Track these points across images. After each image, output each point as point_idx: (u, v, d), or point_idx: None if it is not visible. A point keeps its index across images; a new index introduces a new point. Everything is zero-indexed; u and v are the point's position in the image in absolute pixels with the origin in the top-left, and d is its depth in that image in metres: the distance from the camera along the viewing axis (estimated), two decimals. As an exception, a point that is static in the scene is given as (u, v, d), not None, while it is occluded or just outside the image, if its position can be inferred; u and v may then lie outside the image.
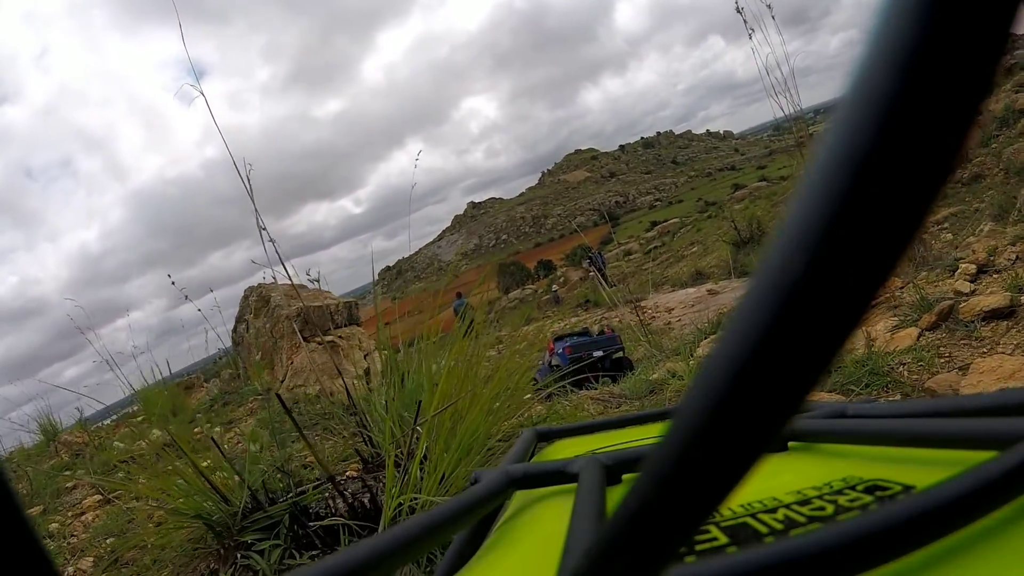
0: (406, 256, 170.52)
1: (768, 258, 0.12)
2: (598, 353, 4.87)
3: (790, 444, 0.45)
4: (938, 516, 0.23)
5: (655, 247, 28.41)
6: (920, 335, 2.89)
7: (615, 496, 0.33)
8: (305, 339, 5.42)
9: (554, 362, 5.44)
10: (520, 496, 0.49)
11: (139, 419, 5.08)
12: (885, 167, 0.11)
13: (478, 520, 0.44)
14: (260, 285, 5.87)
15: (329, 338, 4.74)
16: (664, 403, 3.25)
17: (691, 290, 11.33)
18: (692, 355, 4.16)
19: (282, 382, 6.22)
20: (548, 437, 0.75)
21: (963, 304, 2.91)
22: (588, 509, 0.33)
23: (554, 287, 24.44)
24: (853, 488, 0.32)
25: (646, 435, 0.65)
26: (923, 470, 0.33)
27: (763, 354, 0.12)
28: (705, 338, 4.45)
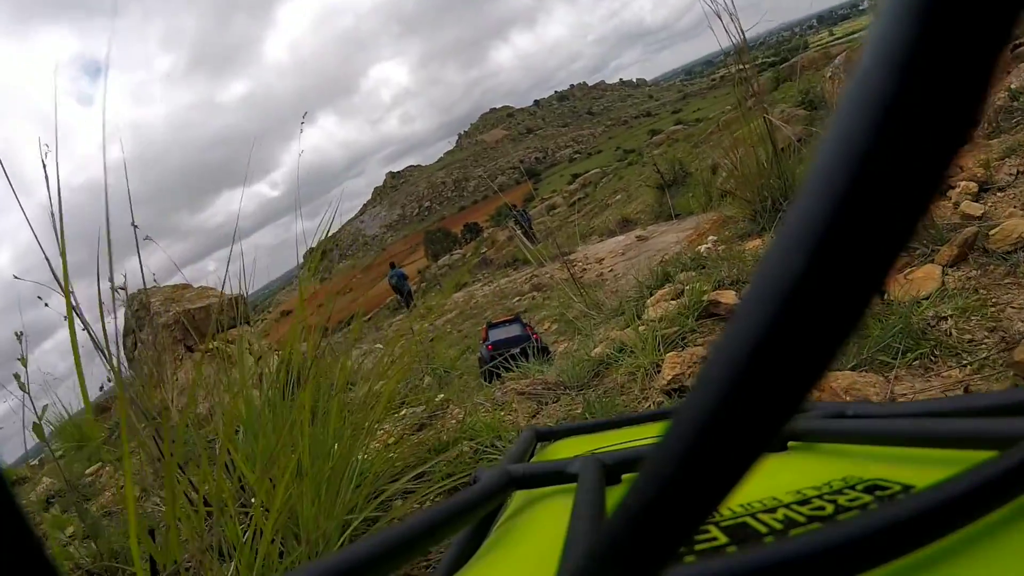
0: (330, 235, 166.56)
1: (768, 258, 0.12)
2: (517, 350, 4.94)
3: (790, 444, 0.45)
4: (938, 516, 0.23)
5: (579, 199, 28.16)
6: (944, 274, 2.20)
7: (615, 496, 0.32)
8: (189, 348, 4.59)
9: (483, 353, 5.74)
10: (520, 496, 0.49)
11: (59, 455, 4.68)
12: (884, 166, 0.11)
13: (478, 520, 0.45)
14: (140, 291, 4.79)
15: (212, 345, 3.88)
16: (616, 389, 2.53)
17: (620, 238, 10.98)
18: (639, 316, 3.33)
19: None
20: (547, 437, 0.76)
21: (994, 232, 2.25)
22: (588, 509, 0.34)
23: (483, 250, 23.81)
24: (853, 488, 0.32)
25: (646, 435, 0.65)
26: (923, 470, 0.33)
27: (763, 354, 0.12)
28: (651, 293, 3.68)
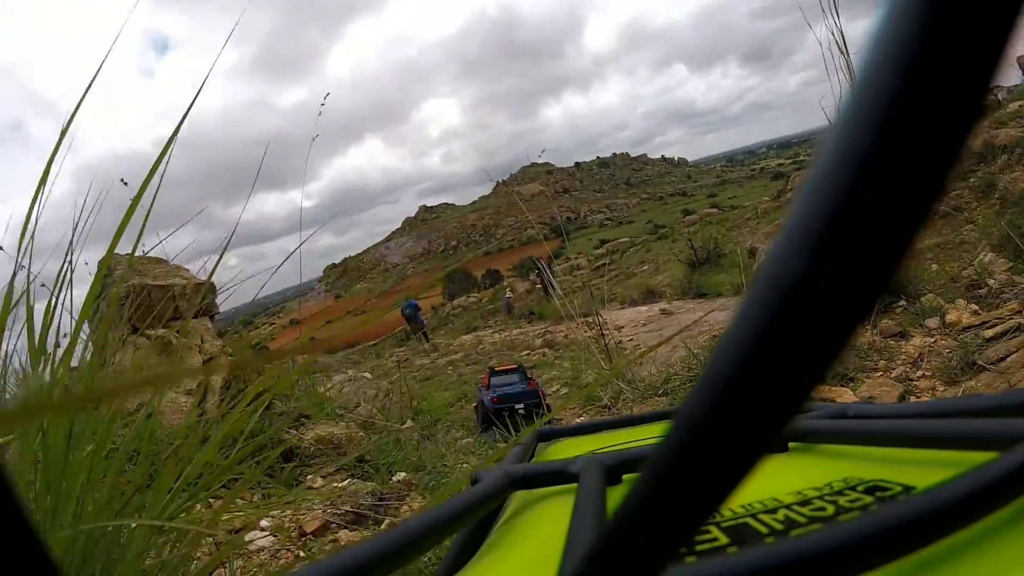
0: (353, 255, 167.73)
1: (769, 258, 0.12)
2: (520, 407, 5.26)
3: (791, 444, 0.45)
4: (938, 517, 0.23)
5: (603, 264, 28.11)
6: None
7: (616, 496, 0.34)
8: (135, 330, 3.87)
9: (485, 399, 5.65)
10: (520, 496, 0.49)
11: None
12: (887, 168, 0.11)
13: (478, 520, 0.44)
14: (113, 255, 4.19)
15: (159, 332, 3.49)
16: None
17: (642, 308, 10.83)
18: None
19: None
20: (548, 437, 0.76)
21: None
22: (588, 509, 0.34)
23: (507, 294, 23.57)
24: (853, 489, 0.33)
25: (646, 435, 0.65)
26: (923, 471, 0.33)
27: (764, 354, 0.12)
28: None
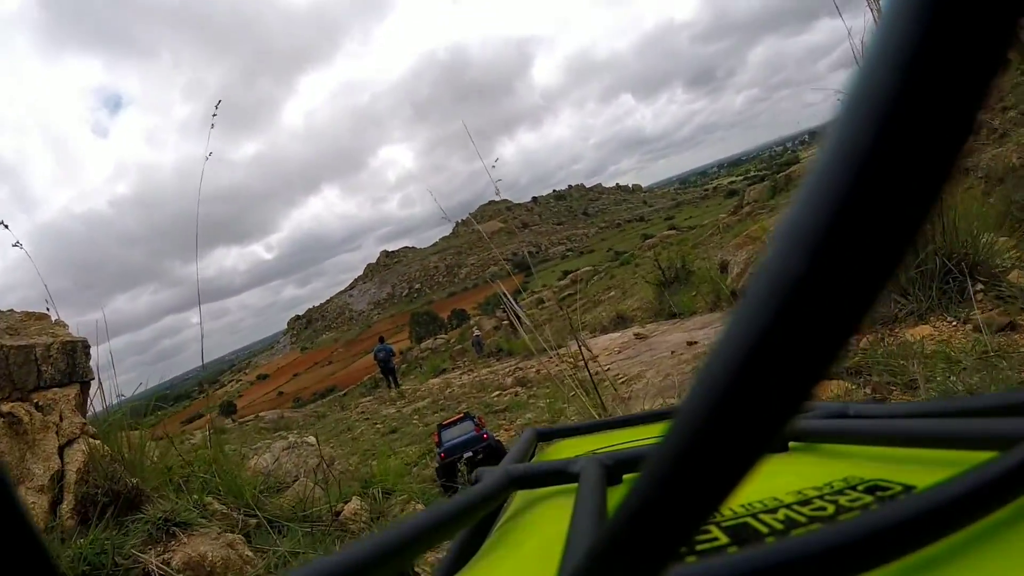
0: (317, 305, 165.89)
1: (768, 258, 0.12)
2: (468, 455, 5.16)
3: (791, 444, 0.45)
4: (938, 516, 0.23)
5: (568, 294, 27.77)
6: None
7: (615, 496, 0.34)
8: None
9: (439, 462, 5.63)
10: (521, 496, 0.50)
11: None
12: (886, 167, 0.11)
13: (478, 520, 0.44)
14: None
15: (8, 408, 2.60)
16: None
17: (615, 335, 10.19)
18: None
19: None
20: (548, 437, 0.76)
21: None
22: (588, 509, 0.34)
23: (476, 332, 22.77)
24: (854, 488, 0.33)
25: (646, 435, 0.65)
26: (923, 470, 0.33)
27: (763, 354, 0.12)
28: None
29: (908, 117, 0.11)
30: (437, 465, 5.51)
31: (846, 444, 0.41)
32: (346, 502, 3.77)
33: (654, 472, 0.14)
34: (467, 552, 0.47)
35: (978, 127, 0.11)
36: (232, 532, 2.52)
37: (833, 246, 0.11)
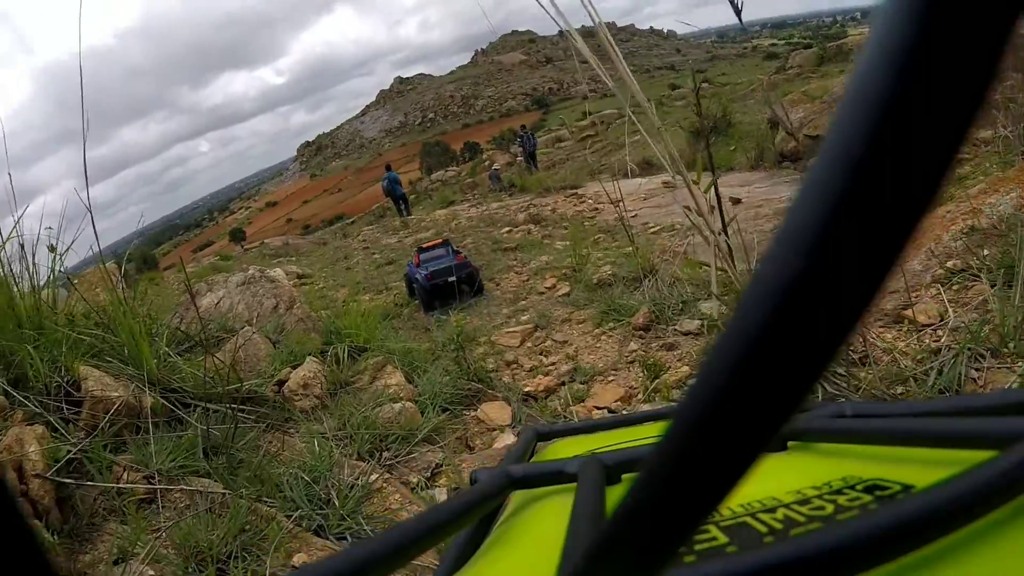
0: (327, 131, 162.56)
1: (767, 255, 0.12)
2: (452, 279, 5.53)
3: (789, 443, 0.45)
4: (938, 516, 0.23)
5: (588, 135, 26.46)
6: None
7: (615, 496, 0.32)
8: None
9: (419, 277, 5.79)
10: (519, 496, 0.49)
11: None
12: (886, 163, 0.11)
13: (477, 520, 0.45)
14: None
15: None
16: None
17: (640, 180, 9.35)
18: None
19: None
20: (548, 437, 0.75)
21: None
22: (587, 509, 0.34)
23: (495, 165, 21.90)
24: (852, 488, 0.33)
25: (646, 435, 0.65)
26: (923, 470, 0.33)
27: (762, 353, 0.12)
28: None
29: (907, 116, 0.11)
30: (414, 282, 5.77)
31: (845, 443, 0.41)
32: (295, 366, 2.92)
33: (653, 472, 0.14)
34: (466, 552, 0.46)
35: (976, 127, 0.11)
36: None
37: (832, 245, 0.11)
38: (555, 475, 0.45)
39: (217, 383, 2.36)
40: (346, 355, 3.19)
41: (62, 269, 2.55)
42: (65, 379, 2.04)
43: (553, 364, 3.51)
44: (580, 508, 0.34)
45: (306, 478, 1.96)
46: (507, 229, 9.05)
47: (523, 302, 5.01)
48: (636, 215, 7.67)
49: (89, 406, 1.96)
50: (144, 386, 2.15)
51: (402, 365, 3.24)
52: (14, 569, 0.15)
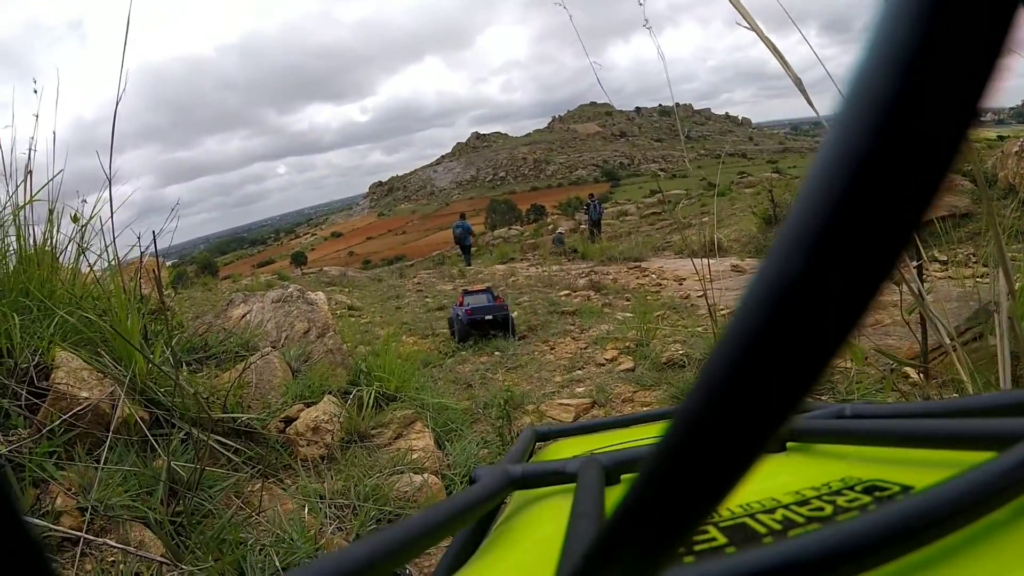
0: (400, 174, 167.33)
1: (767, 257, 0.12)
2: (489, 317, 6.05)
3: (788, 444, 0.45)
4: (937, 516, 0.23)
5: (653, 212, 26.23)
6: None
7: (614, 496, 0.30)
8: None
9: (460, 313, 6.29)
10: (519, 496, 0.49)
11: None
12: (884, 167, 0.11)
13: (477, 520, 0.45)
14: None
15: None
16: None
17: (708, 261, 8.92)
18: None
19: None
20: (547, 437, 0.76)
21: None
22: (587, 509, 0.34)
23: (560, 229, 22.07)
24: (852, 488, 0.33)
25: (645, 435, 0.65)
26: (922, 470, 0.33)
27: (761, 354, 0.12)
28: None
29: (906, 116, 0.11)
30: (459, 322, 6.21)
31: (844, 444, 0.41)
32: (309, 403, 2.56)
33: (652, 472, 0.14)
34: (466, 552, 0.47)
35: (975, 127, 0.11)
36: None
37: (831, 246, 0.11)
38: (555, 475, 0.45)
39: (213, 406, 2.05)
40: (372, 401, 2.78)
41: (119, 257, 2.36)
42: (35, 362, 1.76)
43: (611, 451, 3.10)
44: (579, 508, 0.34)
45: (277, 561, 1.56)
46: (566, 292, 8.71)
47: (579, 371, 4.56)
48: (701, 295, 7.25)
49: (50, 401, 1.67)
50: (123, 391, 1.85)
51: (434, 425, 2.85)
52: (14, 569, 0.15)
